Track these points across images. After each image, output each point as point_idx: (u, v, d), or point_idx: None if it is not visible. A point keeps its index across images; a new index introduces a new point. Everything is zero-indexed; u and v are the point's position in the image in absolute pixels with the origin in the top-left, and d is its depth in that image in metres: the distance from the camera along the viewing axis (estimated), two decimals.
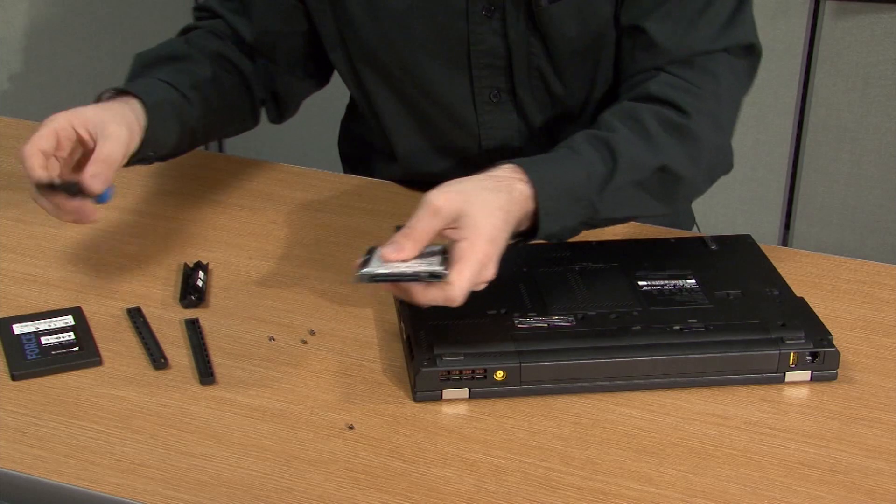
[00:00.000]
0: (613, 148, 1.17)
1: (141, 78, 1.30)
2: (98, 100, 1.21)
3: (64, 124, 1.13)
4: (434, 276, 1.01)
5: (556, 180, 1.13)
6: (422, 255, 1.04)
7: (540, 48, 1.30)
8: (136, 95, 1.21)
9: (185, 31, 1.40)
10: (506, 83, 1.33)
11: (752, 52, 1.29)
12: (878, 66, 2.39)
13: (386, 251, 1.03)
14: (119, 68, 2.79)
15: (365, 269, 1.02)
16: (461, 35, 1.30)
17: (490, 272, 1.05)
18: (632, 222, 1.35)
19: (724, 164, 1.29)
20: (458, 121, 1.36)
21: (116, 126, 1.14)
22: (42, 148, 1.11)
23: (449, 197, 1.05)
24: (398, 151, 1.42)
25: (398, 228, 1.06)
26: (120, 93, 1.22)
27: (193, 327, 1.14)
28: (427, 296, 1.02)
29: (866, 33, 2.37)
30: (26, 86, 2.60)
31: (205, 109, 1.31)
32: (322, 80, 1.47)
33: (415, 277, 1.02)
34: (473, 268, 1.03)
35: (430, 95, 1.35)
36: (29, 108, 2.48)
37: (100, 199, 1.12)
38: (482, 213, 1.05)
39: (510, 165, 1.12)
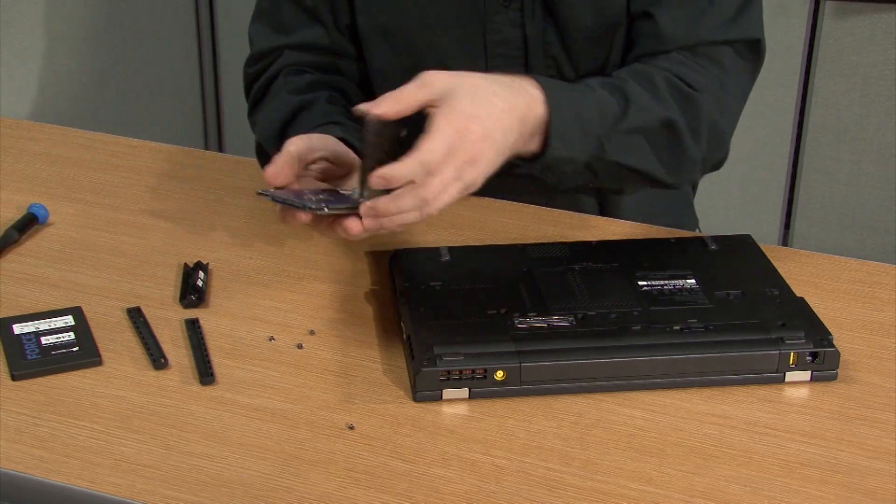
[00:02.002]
0: (626, 93, 1.20)
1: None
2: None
3: (302, 145, 1.12)
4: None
5: (570, 104, 1.13)
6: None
7: (555, 37, 1.30)
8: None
9: (264, 81, 1.38)
10: (521, 73, 1.33)
11: (756, 49, 1.31)
12: (878, 66, 2.39)
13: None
14: (119, 68, 2.80)
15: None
16: (478, 24, 1.30)
17: (470, 158, 1.03)
18: (631, 222, 1.35)
19: (720, 147, 1.29)
20: None
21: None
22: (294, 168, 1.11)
23: (442, 74, 1.05)
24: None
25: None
26: None
27: (193, 327, 1.14)
28: (393, 174, 1.01)
29: (866, 33, 2.37)
30: (26, 86, 2.59)
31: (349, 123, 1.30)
32: None
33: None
34: (444, 139, 1.01)
35: None
36: (29, 108, 2.48)
37: None
38: (471, 95, 1.04)
39: (528, 77, 1.12)
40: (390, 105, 1.04)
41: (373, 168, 1.03)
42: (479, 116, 1.04)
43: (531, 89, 1.11)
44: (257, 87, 1.39)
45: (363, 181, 1.05)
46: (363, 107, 1.04)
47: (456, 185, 1.04)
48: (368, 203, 1.03)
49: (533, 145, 1.13)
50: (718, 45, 1.28)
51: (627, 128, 1.19)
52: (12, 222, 1.30)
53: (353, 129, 1.25)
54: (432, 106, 1.05)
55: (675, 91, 1.23)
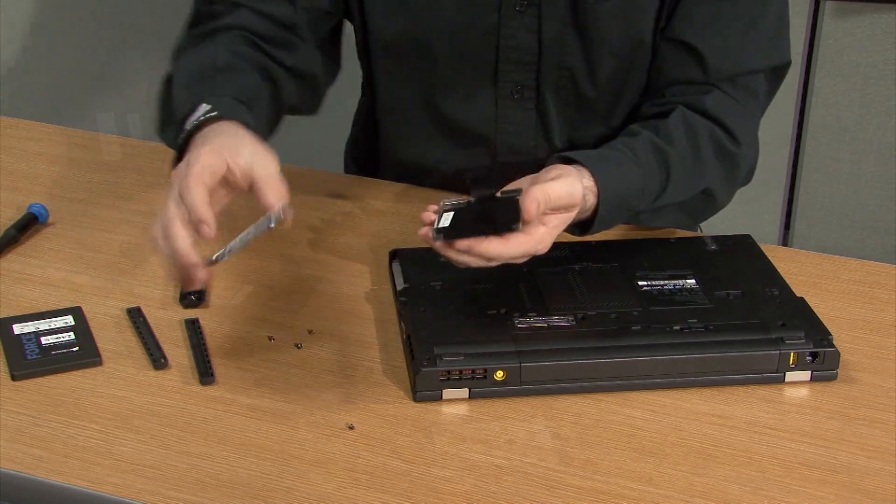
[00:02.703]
0: (670, 167, 1.22)
1: (202, 89, 1.19)
2: (198, 127, 1.12)
3: (217, 161, 1.05)
4: (512, 229, 1.03)
5: (617, 192, 1.16)
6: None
7: (576, 47, 1.30)
8: (239, 121, 1.14)
9: (209, 27, 1.30)
10: (531, 80, 1.33)
11: (784, 72, 1.33)
12: (878, 66, 2.39)
13: (525, 202, 1.03)
14: (119, 68, 2.80)
15: (440, 226, 1.02)
16: (491, 29, 1.30)
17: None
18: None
19: (748, 179, 1.37)
20: (475, 114, 1.36)
21: (264, 157, 1.08)
22: (206, 184, 1.03)
23: (579, 187, 1.09)
24: (408, 145, 1.42)
25: (444, 202, 1.04)
26: (212, 119, 1.13)
27: (193, 327, 1.14)
28: (510, 249, 1.03)
29: (866, 33, 2.37)
30: (26, 86, 2.59)
31: (264, 116, 1.25)
32: (337, 65, 1.42)
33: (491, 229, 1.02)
34: (530, 247, 1.05)
35: (451, 87, 1.35)
36: (29, 108, 2.48)
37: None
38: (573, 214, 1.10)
39: (589, 176, 1.13)
40: (544, 203, 1.05)
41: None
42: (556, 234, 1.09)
43: (591, 198, 1.14)
44: (202, 27, 1.31)
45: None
46: (529, 206, 1.04)
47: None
48: (437, 243, 1.04)
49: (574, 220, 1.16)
50: (755, 74, 1.30)
51: (663, 203, 1.24)
52: (12, 222, 1.30)
53: (261, 116, 1.21)
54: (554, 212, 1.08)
55: (718, 153, 1.27)
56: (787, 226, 2.59)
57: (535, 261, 1.19)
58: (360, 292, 1.22)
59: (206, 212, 1.01)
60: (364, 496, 0.94)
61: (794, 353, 1.07)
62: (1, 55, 2.49)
